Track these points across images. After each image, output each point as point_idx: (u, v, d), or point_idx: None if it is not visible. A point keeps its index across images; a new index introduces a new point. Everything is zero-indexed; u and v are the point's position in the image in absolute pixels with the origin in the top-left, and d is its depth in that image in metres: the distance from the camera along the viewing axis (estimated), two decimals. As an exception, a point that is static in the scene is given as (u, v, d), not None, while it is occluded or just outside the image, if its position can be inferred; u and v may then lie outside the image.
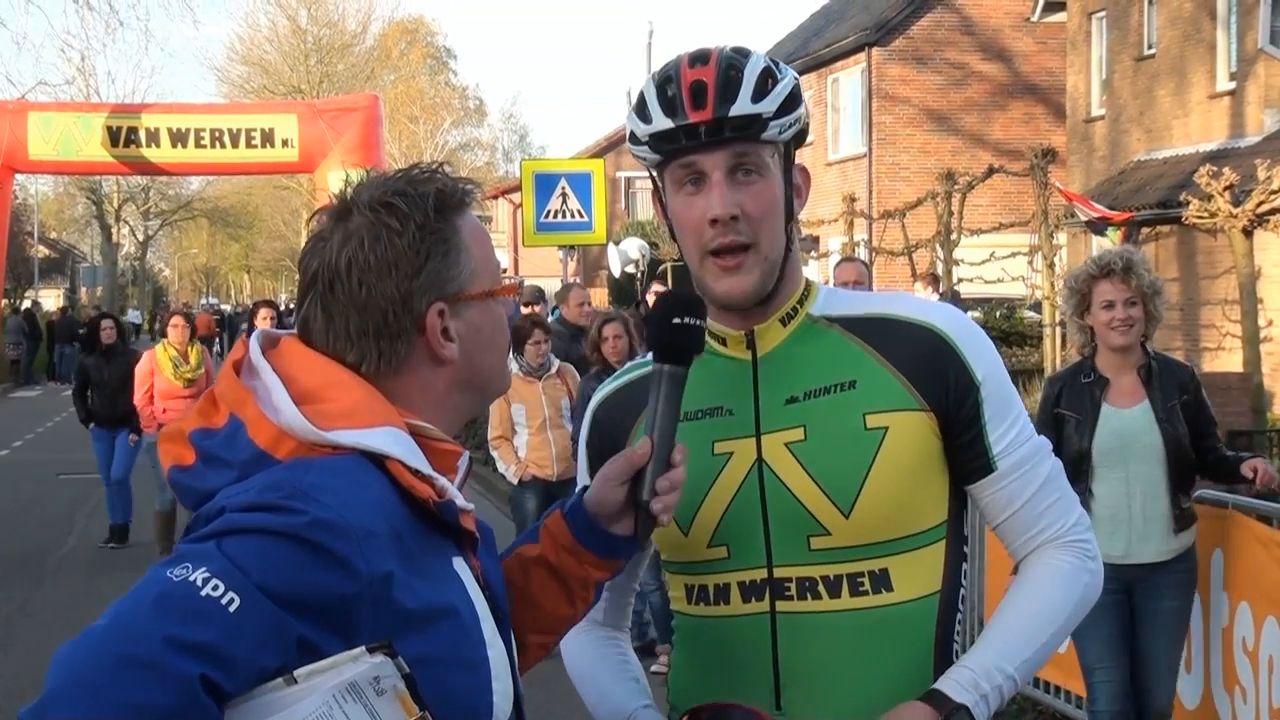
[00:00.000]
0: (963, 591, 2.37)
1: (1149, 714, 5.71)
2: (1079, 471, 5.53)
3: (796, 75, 2.33)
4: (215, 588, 1.60)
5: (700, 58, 2.28)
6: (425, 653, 1.73)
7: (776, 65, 2.30)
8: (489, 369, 1.99)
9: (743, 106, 2.23)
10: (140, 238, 79.33)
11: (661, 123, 2.26)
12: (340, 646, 1.65)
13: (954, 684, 2.23)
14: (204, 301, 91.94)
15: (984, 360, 2.32)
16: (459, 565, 1.87)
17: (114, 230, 69.68)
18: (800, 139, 2.35)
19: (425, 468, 1.83)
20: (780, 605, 2.29)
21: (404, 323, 1.88)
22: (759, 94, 2.25)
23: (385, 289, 1.87)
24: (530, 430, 9.43)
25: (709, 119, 2.23)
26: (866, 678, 2.26)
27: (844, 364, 2.32)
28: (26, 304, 50.27)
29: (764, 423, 2.32)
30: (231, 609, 1.59)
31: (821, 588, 2.27)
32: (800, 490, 2.27)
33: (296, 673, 1.61)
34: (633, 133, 2.33)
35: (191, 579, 1.60)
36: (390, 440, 1.80)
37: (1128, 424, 5.54)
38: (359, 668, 1.63)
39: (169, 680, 1.53)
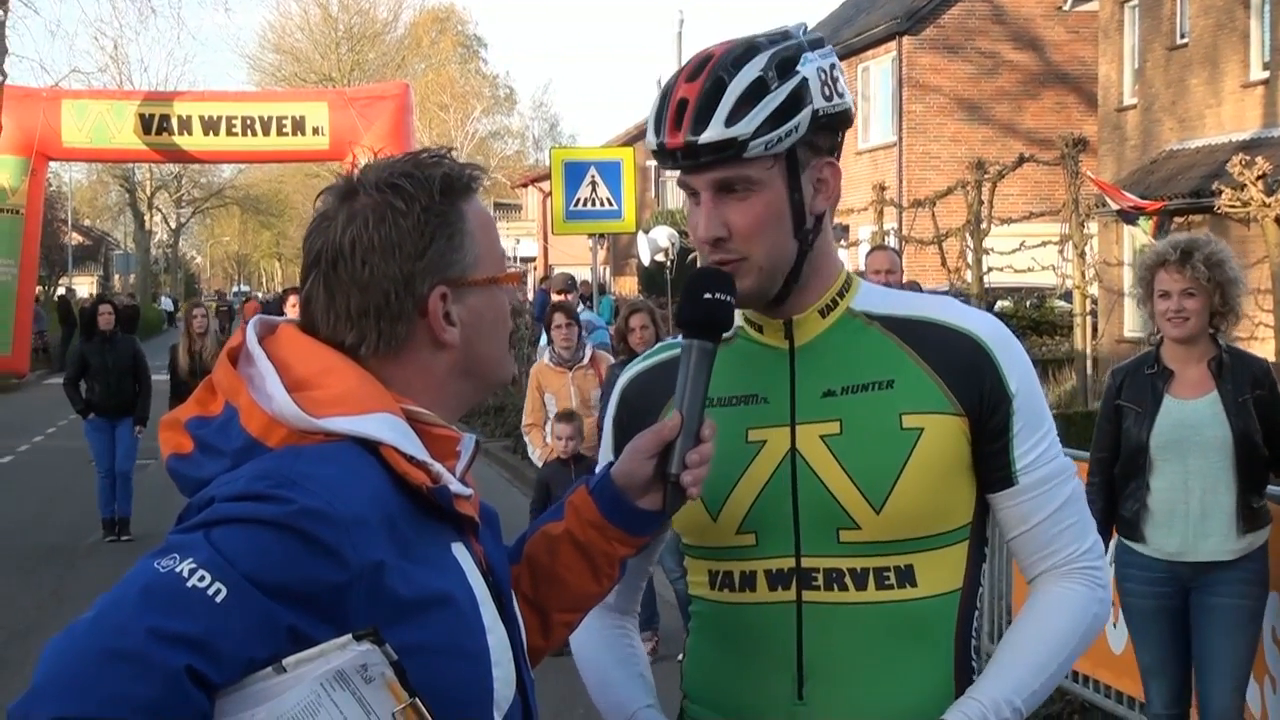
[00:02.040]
0: (981, 590, 2.37)
1: None
2: (1137, 465, 5.40)
3: (814, 69, 2.23)
4: (202, 578, 1.59)
5: (698, 67, 2.24)
6: (421, 641, 1.72)
7: (785, 67, 2.21)
8: (489, 357, 1.98)
9: (715, 132, 2.18)
10: (173, 225, 79.68)
11: (652, 140, 2.27)
12: (332, 636, 1.64)
13: (963, 717, 2.22)
14: (236, 289, 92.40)
15: (1019, 373, 2.31)
16: (458, 551, 1.85)
17: (147, 218, 69.99)
18: (835, 127, 2.27)
19: (421, 454, 1.81)
20: (807, 595, 2.28)
21: (405, 304, 1.87)
22: (735, 116, 2.18)
23: (388, 269, 1.86)
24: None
25: (680, 145, 2.21)
26: (889, 671, 2.26)
27: (883, 363, 2.31)
28: (61, 291, 50.57)
29: (799, 413, 2.30)
30: (218, 600, 1.58)
31: (848, 580, 2.27)
32: (833, 483, 2.26)
33: (285, 662, 1.61)
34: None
35: (178, 570, 1.60)
36: (384, 426, 1.79)
37: (1190, 416, 5.34)
38: (346, 655, 1.62)
39: (154, 672, 1.53)
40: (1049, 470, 2.32)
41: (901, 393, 2.28)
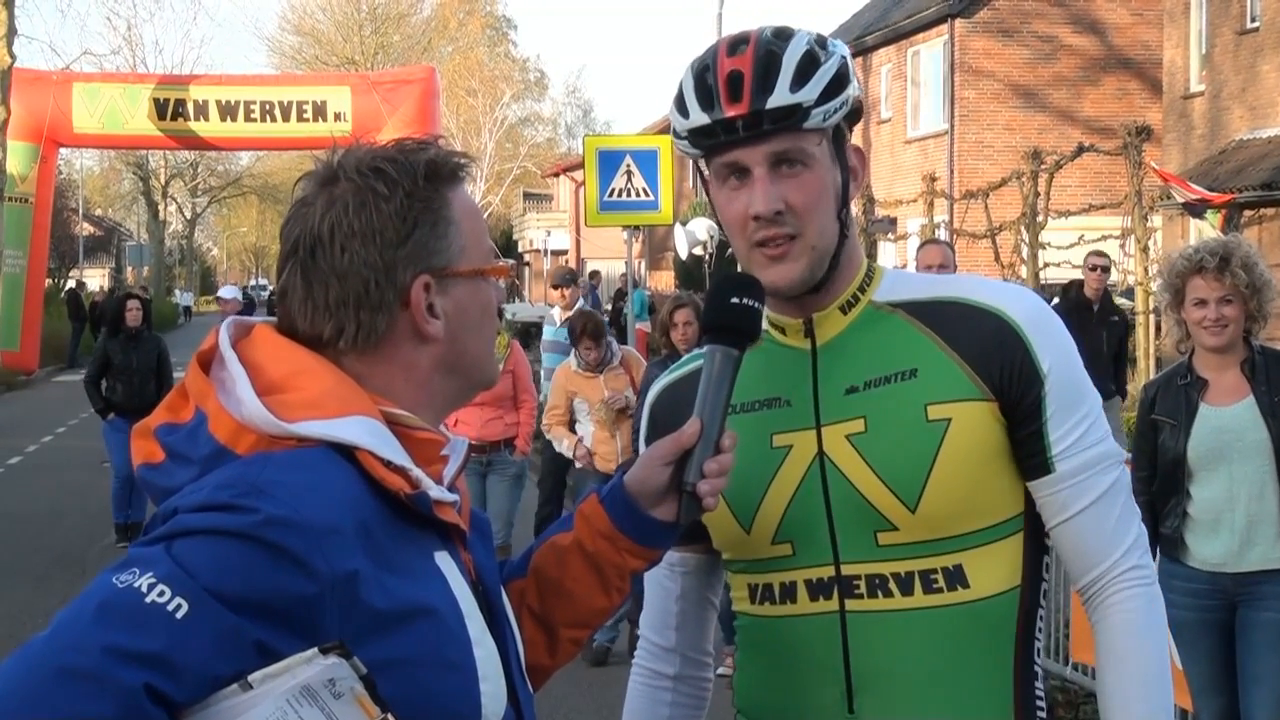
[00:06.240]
0: (1045, 586, 2.35)
1: None
2: (1175, 479, 5.41)
3: (846, 53, 2.30)
4: (161, 594, 1.59)
5: (739, 43, 2.27)
6: (401, 654, 1.72)
7: (823, 45, 2.28)
8: (475, 354, 1.97)
9: (781, 97, 2.21)
10: (188, 215, 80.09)
11: (698, 117, 2.25)
12: (303, 650, 1.63)
13: None
14: (253, 283, 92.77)
15: (1053, 350, 2.28)
16: (442, 560, 1.84)
17: (161, 207, 70.37)
18: (854, 118, 2.32)
19: (399, 458, 1.80)
20: (850, 604, 2.28)
21: (386, 294, 1.86)
22: (799, 81, 2.22)
23: (368, 256, 1.85)
24: (595, 423, 9.55)
25: (745, 113, 2.22)
26: (944, 679, 2.24)
27: (905, 351, 2.30)
28: (71, 284, 50.82)
29: (824, 414, 2.30)
30: (179, 615, 1.58)
31: (893, 585, 2.26)
32: (863, 484, 2.26)
33: (251, 677, 1.60)
34: (673, 126, 2.33)
35: (136, 585, 1.59)
36: (360, 430, 1.78)
37: (1228, 422, 5.35)
38: (312, 670, 1.61)
39: (111, 691, 1.53)
40: (1089, 456, 2.28)
41: (926, 382, 2.27)
